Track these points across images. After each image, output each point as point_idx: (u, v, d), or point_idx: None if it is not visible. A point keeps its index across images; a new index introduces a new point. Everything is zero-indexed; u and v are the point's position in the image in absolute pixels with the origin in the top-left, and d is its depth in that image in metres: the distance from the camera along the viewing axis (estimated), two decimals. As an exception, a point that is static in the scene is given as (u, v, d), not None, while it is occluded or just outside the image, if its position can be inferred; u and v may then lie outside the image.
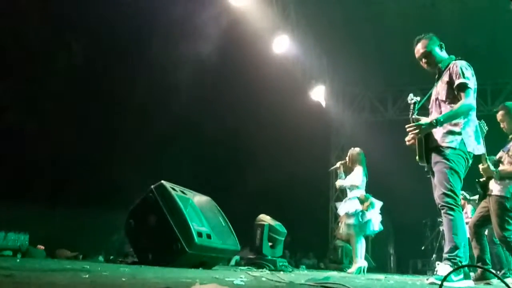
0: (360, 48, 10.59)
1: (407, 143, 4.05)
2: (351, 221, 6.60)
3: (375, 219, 6.65)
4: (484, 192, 5.25)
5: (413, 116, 3.93)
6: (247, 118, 10.14)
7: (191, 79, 9.11)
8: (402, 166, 7.23)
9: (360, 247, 6.65)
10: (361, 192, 6.79)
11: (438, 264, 4.03)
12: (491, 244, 6.97)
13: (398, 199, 10.06)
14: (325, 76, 11.92)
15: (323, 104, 11.70)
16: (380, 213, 6.80)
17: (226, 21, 8.25)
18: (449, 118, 3.81)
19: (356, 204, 6.62)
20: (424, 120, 3.87)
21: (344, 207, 6.79)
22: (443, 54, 4.08)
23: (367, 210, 6.56)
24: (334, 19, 9.83)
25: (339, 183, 7.11)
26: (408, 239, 12.01)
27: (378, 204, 6.77)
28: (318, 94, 11.37)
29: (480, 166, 4.90)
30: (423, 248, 10.87)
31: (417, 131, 3.84)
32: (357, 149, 7.07)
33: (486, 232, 6.79)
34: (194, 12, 8.14)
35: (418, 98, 4.03)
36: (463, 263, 3.59)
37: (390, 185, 9.95)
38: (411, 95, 4.01)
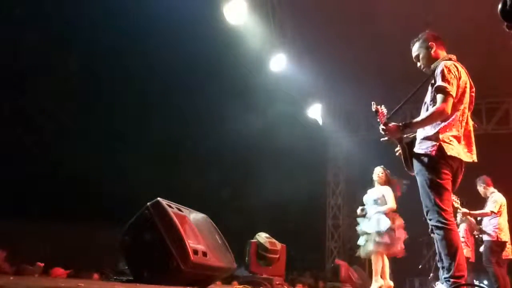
0: (356, 66, 10.67)
1: (397, 153, 3.95)
2: (383, 239, 6.34)
3: (403, 239, 6.49)
4: None
5: (381, 126, 3.76)
6: (244, 136, 10.16)
7: (188, 96, 9.16)
8: (398, 184, 7.20)
9: (380, 265, 6.41)
10: (390, 209, 6.52)
11: (436, 284, 3.96)
12: (487, 264, 6.94)
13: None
14: (321, 94, 11.98)
15: (320, 122, 11.75)
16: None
17: (224, 39, 8.34)
18: (418, 123, 3.61)
19: (388, 221, 6.42)
20: (393, 124, 3.70)
21: (373, 224, 6.49)
22: (435, 53, 3.88)
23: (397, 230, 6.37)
24: (330, 37, 9.92)
25: (378, 210, 6.58)
26: (405, 257, 11.93)
27: (402, 223, 6.60)
28: (315, 112, 11.43)
29: None
30: (420, 266, 10.81)
31: (386, 133, 3.72)
32: (379, 169, 6.83)
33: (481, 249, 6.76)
34: (192, 31, 8.23)
35: (383, 107, 3.82)
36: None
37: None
38: (373, 104, 3.84)
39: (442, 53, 3.89)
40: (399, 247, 6.43)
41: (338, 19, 9.31)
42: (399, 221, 6.48)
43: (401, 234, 6.45)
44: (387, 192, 6.62)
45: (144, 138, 9.17)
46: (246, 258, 6.26)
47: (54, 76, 7.66)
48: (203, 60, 8.98)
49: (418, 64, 3.96)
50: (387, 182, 6.74)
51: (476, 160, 3.64)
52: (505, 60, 9.41)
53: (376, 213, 6.52)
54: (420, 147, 3.63)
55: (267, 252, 6.41)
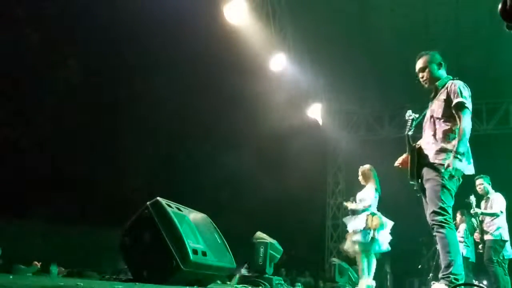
0: (356, 67, 10.68)
1: (398, 168, 4.15)
2: (357, 238, 6.46)
3: (383, 239, 6.48)
4: None
5: (409, 133, 3.95)
6: (244, 136, 10.16)
7: (188, 96, 9.15)
8: (397, 185, 7.19)
9: (367, 265, 6.45)
10: (371, 210, 6.61)
11: (433, 283, 3.99)
12: (489, 263, 6.97)
13: (394, 217, 10.01)
14: (321, 94, 11.98)
15: (320, 122, 11.74)
16: (390, 233, 6.64)
17: (224, 39, 8.33)
18: (462, 143, 3.73)
19: (364, 221, 6.49)
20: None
21: (352, 224, 6.67)
22: (441, 72, 4.07)
23: (375, 230, 6.40)
24: (330, 38, 9.92)
25: (351, 206, 6.89)
26: (405, 257, 11.94)
27: (389, 224, 6.63)
28: (315, 112, 11.42)
29: None
30: (419, 266, 10.81)
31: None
32: (367, 166, 6.95)
33: (479, 247, 6.76)
34: (193, 31, 8.22)
35: (416, 115, 4.05)
36: (459, 280, 3.55)
37: (386, 203, 9.92)
38: (409, 112, 4.03)
39: (444, 73, 4.09)
40: (377, 247, 6.43)
41: (338, 18, 9.32)
42: (377, 221, 6.45)
43: (381, 234, 6.42)
44: (364, 192, 6.74)
45: (144, 137, 9.18)
46: (260, 260, 6.21)
47: (54, 75, 7.67)
48: (203, 59, 8.98)
49: (421, 75, 4.12)
50: (366, 180, 6.84)
51: (474, 172, 3.93)
52: (505, 60, 9.44)
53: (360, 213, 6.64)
54: (437, 158, 3.84)
55: (279, 253, 6.44)
